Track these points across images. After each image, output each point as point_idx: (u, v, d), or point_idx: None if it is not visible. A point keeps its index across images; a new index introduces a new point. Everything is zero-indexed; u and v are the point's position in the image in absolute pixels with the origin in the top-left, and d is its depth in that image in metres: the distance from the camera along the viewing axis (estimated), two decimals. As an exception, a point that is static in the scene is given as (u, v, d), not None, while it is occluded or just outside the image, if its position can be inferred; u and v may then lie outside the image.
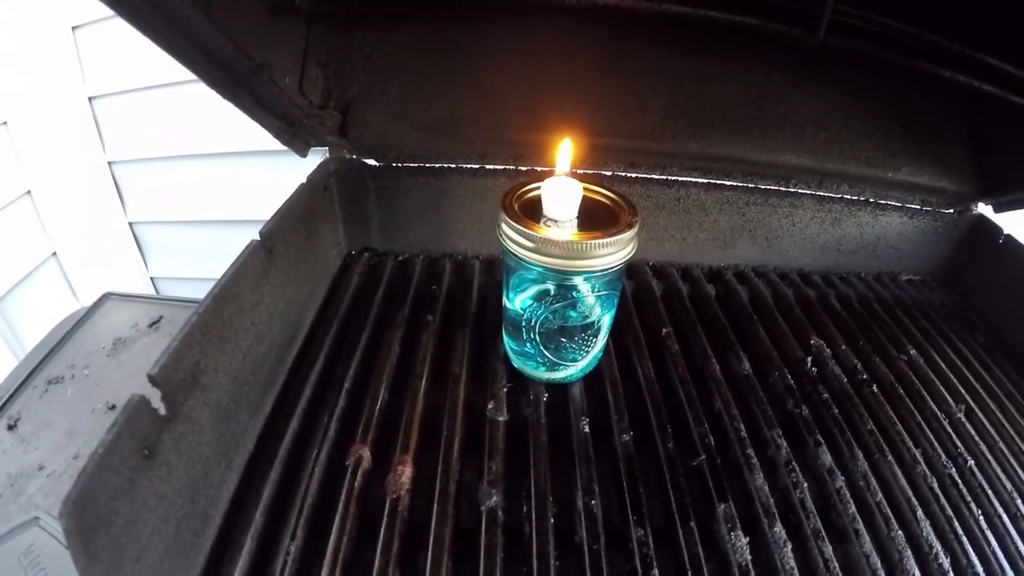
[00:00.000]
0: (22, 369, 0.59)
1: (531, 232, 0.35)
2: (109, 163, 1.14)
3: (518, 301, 0.39)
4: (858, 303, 0.59)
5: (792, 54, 0.52)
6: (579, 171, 0.57)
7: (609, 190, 0.40)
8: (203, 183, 1.14)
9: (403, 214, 0.59)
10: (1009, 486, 0.40)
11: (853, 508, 0.37)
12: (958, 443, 0.43)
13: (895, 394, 0.47)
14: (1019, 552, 0.36)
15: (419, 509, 0.35)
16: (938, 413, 0.45)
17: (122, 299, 0.69)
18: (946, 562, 0.35)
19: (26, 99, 1.06)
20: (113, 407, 0.54)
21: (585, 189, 0.38)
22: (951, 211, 0.63)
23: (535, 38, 0.53)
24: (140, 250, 1.26)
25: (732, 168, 0.59)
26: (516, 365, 0.44)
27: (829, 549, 0.34)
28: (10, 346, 1.10)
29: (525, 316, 0.39)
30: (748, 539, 0.34)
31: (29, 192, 1.12)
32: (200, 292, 0.34)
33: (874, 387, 0.47)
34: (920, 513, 0.37)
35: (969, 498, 0.39)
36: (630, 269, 0.58)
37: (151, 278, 1.29)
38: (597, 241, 0.34)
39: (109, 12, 0.29)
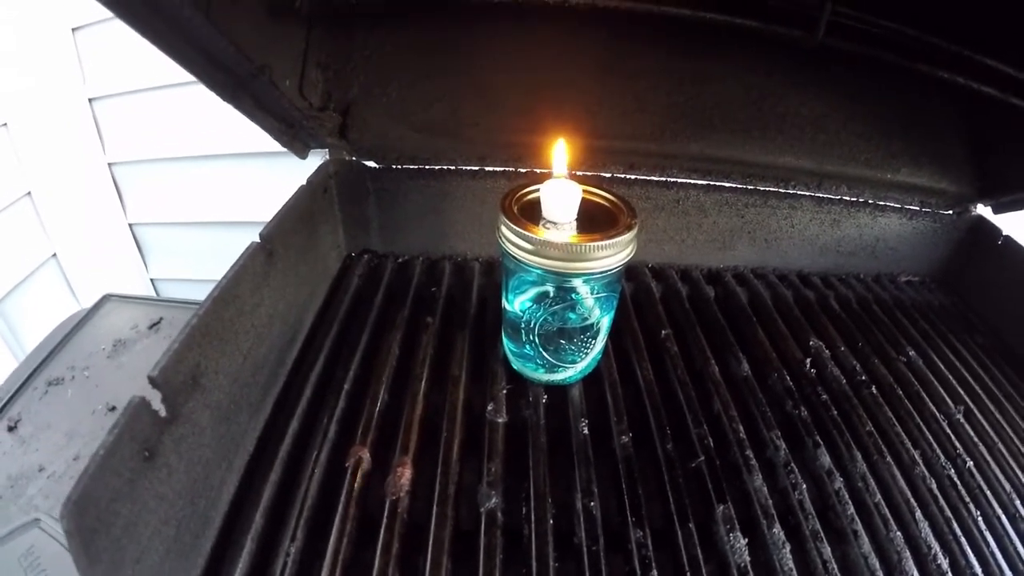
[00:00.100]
0: (22, 370, 0.59)
1: (530, 234, 0.35)
2: (109, 164, 1.14)
3: (517, 303, 0.39)
4: (857, 304, 0.59)
5: (792, 55, 0.52)
6: (578, 173, 0.57)
7: (608, 192, 0.40)
8: (203, 185, 1.15)
9: (403, 216, 0.59)
10: (1008, 487, 0.40)
11: (852, 509, 0.37)
12: (957, 444, 0.43)
13: (894, 395, 0.47)
14: (1018, 553, 0.36)
15: (419, 510, 0.35)
16: (937, 414, 0.45)
17: (122, 300, 0.69)
18: (945, 563, 0.35)
19: (26, 100, 1.06)
20: (113, 409, 0.54)
21: (584, 191, 0.38)
22: (950, 212, 0.63)
23: (535, 39, 0.54)
24: (140, 251, 1.26)
25: (731, 170, 0.59)
26: (515, 367, 0.44)
27: (828, 550, 0.34)
28: (10, 347, 1.10)
29: (524, 318, 0.39)
30: (747, 540, 0.34)
31: (29, 193, 1.12)
32: (200, 294, 0.34)
33: (873, 388, 0.47)
34: (919, 514, 0.37)
35: (968, 499, 0.39)
36: (629, 271, 0.58)
37: (151, 279, 1.29)
38: (596, 243, 0.34)
39: (109, 14, 0.29)
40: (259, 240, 0.40)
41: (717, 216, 0.61)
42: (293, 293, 0.46)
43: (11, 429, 0.52)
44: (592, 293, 0.37)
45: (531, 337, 0.40)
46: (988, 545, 0.36)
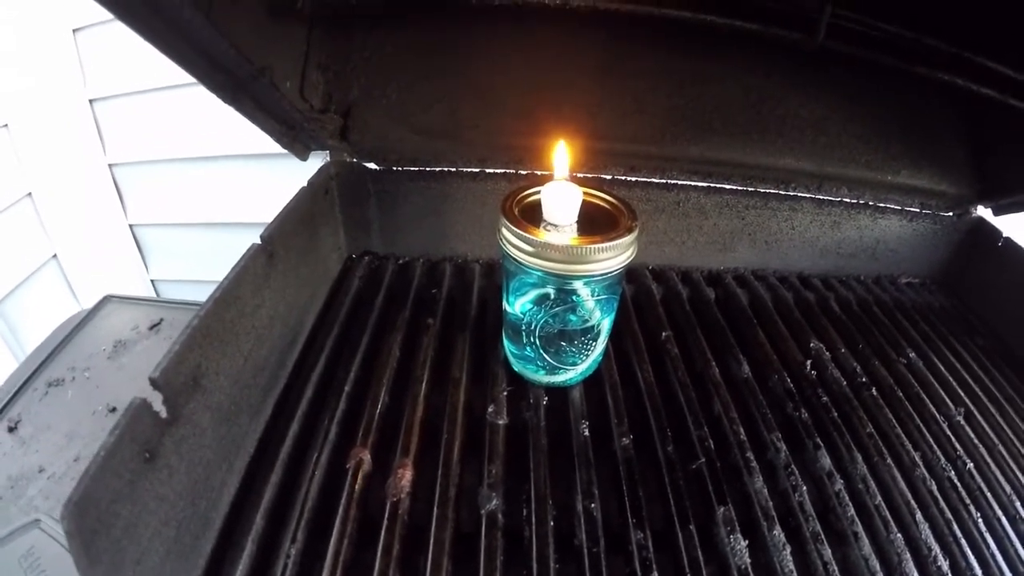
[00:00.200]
0: (22, 371, 0.59)
1: (531, 236, 0.35)
2: (110, 165, 1.15)
3: (518, 305, 0.39)
4: (857, 306, 0.59)
5: (791, 56, 0.52)
6: (579, 175, 0.57)
7: (609, 194, 0.40)
8: (204, 186, 1.15)
9: (403, 218, 0.59)
10: (1008, 489, 0.40)
11: (852, 511, 0.37)
12: (957, 446, 0.43)
13: (894, 397, 0.47)
14: (1018, 555, 0.36)
15: (419, 512, 0.35)
16: (937, 416, 0.45)
17: (122, 302, 0.69)
18: (945, 565, 0.35)
19: (27, 101, 1.06)
20: (114, 410, 0.54)
21: (585, 193, 0.38)
22: (950, 214, 0.63)
23: (534, 40, 0.54)
24: (141, 252, 1.26)
25: (732, 172, 0.59)
26: (516, 369, 0.44)
27: (828, 552, 0.34)
28: (10, 348, 1.11)
29: (525, 320, 0.39)
30: (747, 542, 0.34)
31: (30, 194, 1.12)
32: (201, 295, 0.34)
33: (873, 390, 0.47)
34: (919, 516, 0.37)
35: (968, 501, 0.39)
36: (630, 273, 0.58)
37: (151, 280, 1.30)
38: (597, 245, 0.34)
39: (110, 15, 0.29)
40: (260, 242, 0.40)
41: (718, 218, 0.61)
42: (294, 295, 0.46)
43: (11, 430, 0.52)
44: (593, 295, 0.37)
45: (532, 339, 0.40)
46: (988, 547, 0.36)
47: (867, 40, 0.47)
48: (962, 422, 0.45)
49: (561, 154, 0.39)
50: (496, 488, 0.36)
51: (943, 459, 0.42)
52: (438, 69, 0.55)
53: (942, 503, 0.38)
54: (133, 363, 0.60)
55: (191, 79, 0.38)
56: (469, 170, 0.57)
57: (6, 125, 1.06)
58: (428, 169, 0.57)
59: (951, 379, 0.50)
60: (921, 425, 0.44)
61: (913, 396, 0.47)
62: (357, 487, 0.35)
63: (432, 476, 0.36)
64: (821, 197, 0.61)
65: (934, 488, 0.39)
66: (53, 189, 1.14)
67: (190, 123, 1.07)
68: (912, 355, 0.52)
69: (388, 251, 0.61)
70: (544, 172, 0.57)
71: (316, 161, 0.55)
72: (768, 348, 0.50)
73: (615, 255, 0.35)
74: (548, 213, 0.37)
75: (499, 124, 0.56)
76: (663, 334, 0.50)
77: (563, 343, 0.40)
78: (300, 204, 0.48)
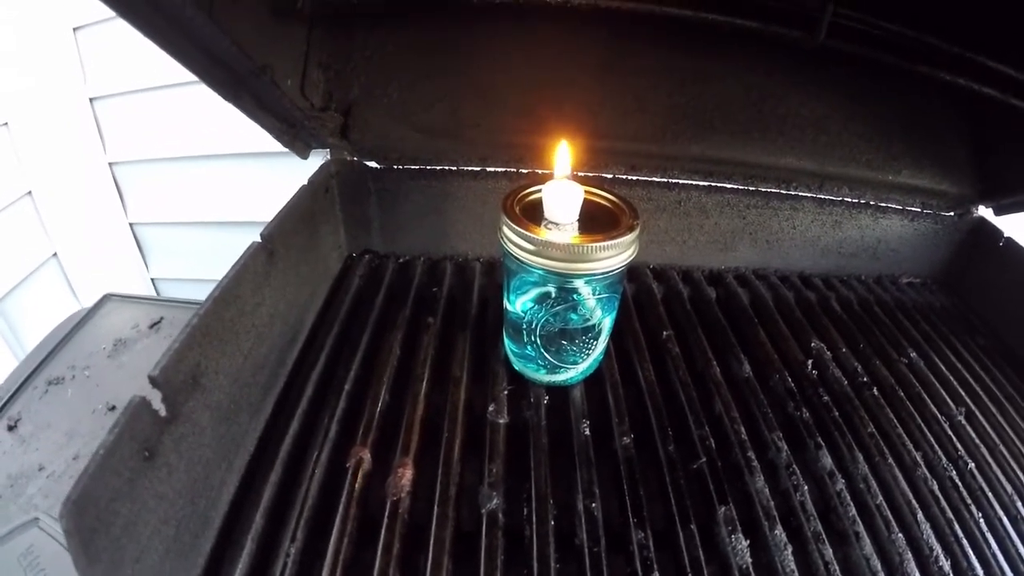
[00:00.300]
0: (22, 370, 0.59)
1: (532, 235, 0.35)
2: (110, 164, 1.15)
3: (519, 304, 0.39)
4: (858, 306, 0.59)
5: (792, 55, 0.52)
6: (580, 174, 0.57)
7: (610, 193, 0.40)
8: (204, 184, 1.15)
9: (404, 216, 0.59)
10: (1010, 489, 0.40)
11: (854, 511, 0.37)
12: (958, 446, 0.43)
13: (895, 397, 0.47)
14: (1019, 555, 0.36)
15: (419, 511, 0.35)
16: (938, 416, 0.45)
17: (123, 300, 0.69)
18: (946, 564, 0.35)
19: (27, 100, 1.06)
20: (113, 408, 0.54)
21: (586, 192, 0.38)
22: (951, 214, 0.63)
23: (535, 38, 0.54)
24: (141, 251, 1.26)
25: (733, 171, 0.59)
26: (517, 367, 0.44)
27: (830, 552, 0.34)
28: (10, 347, 1.10)
29: (526, 319, 0.39)
30: (748, 542, 0.34)
31: (30, 193, 1.12)
32: (201, 293, 0.34)
33: (875, 390, 0.47)
34: (921, 516, 0.37)
35: (970, 501, 0.39)
36: (631, 272, 0.58)
37: (152, 279, 1.29)
38: (598, 244, 0.34)
39: (110, 13, 0.29)
40: (260, 240, 0.40)
41: (719, 217, 0.61)
42: (294, 293, 0.46)
43: (11, 428, 0.52)
44: (594, 294, 0.37)
45: (532, 338, 0.40)
46: (990, 547, 0.36)
47: (868, 39, 0.47)
48: (963, 422, 0.45)
49: (562, 153, 0.39)
50: (497, 487, 0.36)
51: (944, 459, 0.41)
52: (439, 68, 0.55)
53: (943, 503, 0.38)
54: (133, 362, 0.60)
55: (192, 77, 0.38)
56: (470, 169, 0.57)
57: (6, 123, 1.06)
58: (429, 167, 0.57)
59: (952, 379, 0.50)
60: (922, 425, 0.44)
61: (914, 396, 0.47)
62: (357, 486, 0.35)
63: (432, 475, 0.36)
64: (822, 196, 0.61)
65: (935, 488, 0.39)
66: (53, 188, 1.13)
67: (191, 122, 1.07)
68: (913, 355, 0.52)
69: (389, 249, 0.61)
70: (545, 171, 0.57)
71: (317, 160, 0.55)
72: (769, 347, 0.50)
73: (616, 254, 0.35)
74: (549, 211, 0.37)
75: (500, 122, 0.56)
76: (664, 333, 0.50)
77: (564, 342, 0.40)
78: (300, 202, 0.48)
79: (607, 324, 0.40)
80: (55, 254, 1.19)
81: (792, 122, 0.58)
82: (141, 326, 0.64)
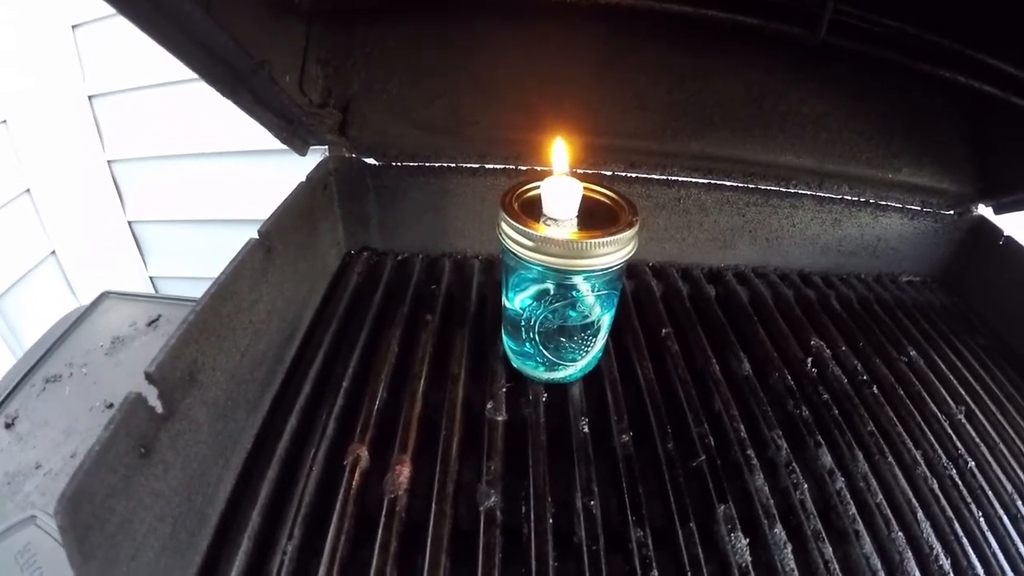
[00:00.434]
0: (20, 367, 0.59)
1: (531, 231, 0.34)
2: (108, 162, 1.14)
3: (517, 300, 0.39)
4: (858, 304, 0.59)
5: (793, 51, 0.52)
6: (579, 170, 0.57)
7: (609, 190, 0.40)
8: (202, 182, 1.14)
9: (403, 213, 0.59)
10: (1010, 487, 0.40)
11: (853, 509, 0.37)
12: (958, 444, 0.43)
13: (895, 395, 0.46)
14: (1020, 554, 0.36)
15: (417, 509, 0.35)
16: (938, 414, 0.45)
17: (121, 298, 0.69)
18: (947, 563, 0.35)
19: (26, 98, 1.06)
20: (111, 405, 0.54)
21: (585, 188, 0.38)
22: (951, 212, 0.63)
23: (535, 34, 0.53)
24: (139, 249, 1.25)
25: (732, 168, 0.59)
26: (515, 365, 0.44)
27: (829, 550, 0.34)
28: (8, 344, 1.10)
29: (524, 316, 0.39)
30: (748, 540, 0.34)
31: (28, 190, 1.12)
32: (199, 291, 0.33)
33: (874, 388, 0.47)
34: (920, 514, 0.37)
35: (970, 499, 0.39)
36: (630, 269, 0.58)
37: (150, 277, 1.29)
38: (597, 240, 0.34)
39: (109, 11, 0.29)
40: (258, 236, 0.40)
41: (718, 215, 0.60)
42: (292, 290, 0.46)
43: (8, 426, 0.52)
44: (593, 291, 0.37)
45: (531, 335, 0.40)
46: (990, 546, 0.36)
47: (869, 36, 0.47)
48: (963, 420, 0.45)
49: (561, 149, 0.39)
50: (495, 485, 0.35)
51: (944, 457, 0.41)
52: (439, 64, 0.54)
53: (943, 501, 0.38)
54: (131, 359, 0.60)
55: (191, 75, 0.38)
56: (469, 165, 0.57)
57: (4, 121, 1.06)
58: (427, 164, 0.57)
59: (952, 377, 0.50)
60: (922, 423, 0.44)
61: (914, 394, 0.47)
62: (355, 483, 0.35)
63: (430, 473, 0.36)
64: (822, 194, 0.61)
65: (935, 487, 0.39)
66: (52, 185, 1.13)
67: (189, 119, 1.07)
68: (913, 353, 0.52)
69: (387, 247, 0.61)
70: (544, 168, 0.57)
71: (315, 156, 0.55)
72: (769, 345, 0.50)
73: (615, 250, 0.35)
74: (548, 208, 0.37)
75: (499, 119, 0.56)
76: (663, 331, 0.50)
77: (563, 339, 0.40)
78: (299, 199, 0.47)
79: (606, 321, 0.40)
80: (53, 252, 1.19)
81: (792, 119, 0.57)
82: (139, 324, 0.64)
